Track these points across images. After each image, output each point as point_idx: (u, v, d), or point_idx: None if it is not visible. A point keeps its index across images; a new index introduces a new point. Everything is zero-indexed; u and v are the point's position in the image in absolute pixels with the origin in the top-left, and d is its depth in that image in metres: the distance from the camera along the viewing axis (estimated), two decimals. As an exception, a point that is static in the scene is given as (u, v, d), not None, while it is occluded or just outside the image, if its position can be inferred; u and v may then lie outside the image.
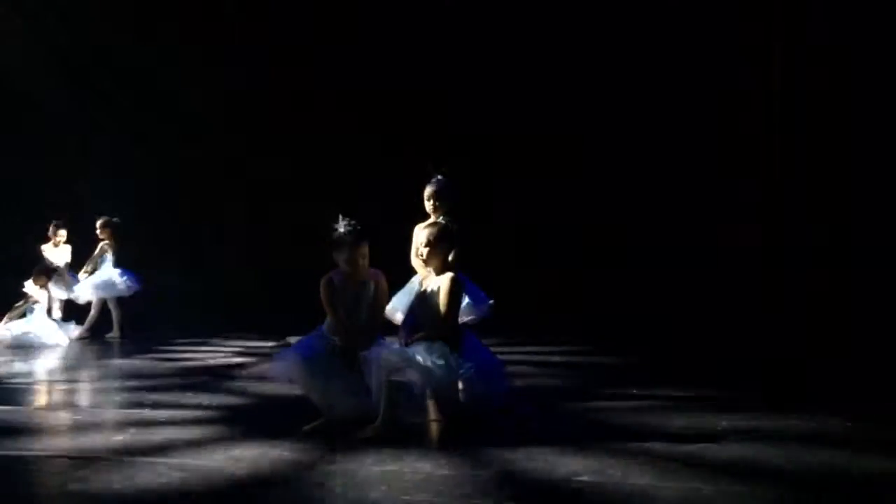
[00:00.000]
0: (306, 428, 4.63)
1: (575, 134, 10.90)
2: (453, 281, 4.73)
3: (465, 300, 5.73)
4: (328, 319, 4.90)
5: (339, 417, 4.68)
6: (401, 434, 4.47)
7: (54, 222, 10.48)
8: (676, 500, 3.41)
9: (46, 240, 10.50)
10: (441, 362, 4.46)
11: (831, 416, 4.98)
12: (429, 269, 4.93)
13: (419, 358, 4.45)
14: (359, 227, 4.80)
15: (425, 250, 4.88)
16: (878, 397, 5.76)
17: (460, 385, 4.66)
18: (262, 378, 6.49)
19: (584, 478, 3.69)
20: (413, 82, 11.30)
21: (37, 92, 12.09)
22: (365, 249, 4.82)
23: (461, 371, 4.51)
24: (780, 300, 9.62)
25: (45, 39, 12.20)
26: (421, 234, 5.01)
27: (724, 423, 4.76)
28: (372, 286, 4.86)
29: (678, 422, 4.85)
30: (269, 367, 5.10)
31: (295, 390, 5.09)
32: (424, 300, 4.81)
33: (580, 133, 10.88)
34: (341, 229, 4.78)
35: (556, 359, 7.88)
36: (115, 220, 10.13)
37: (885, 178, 9.23)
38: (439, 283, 4.76)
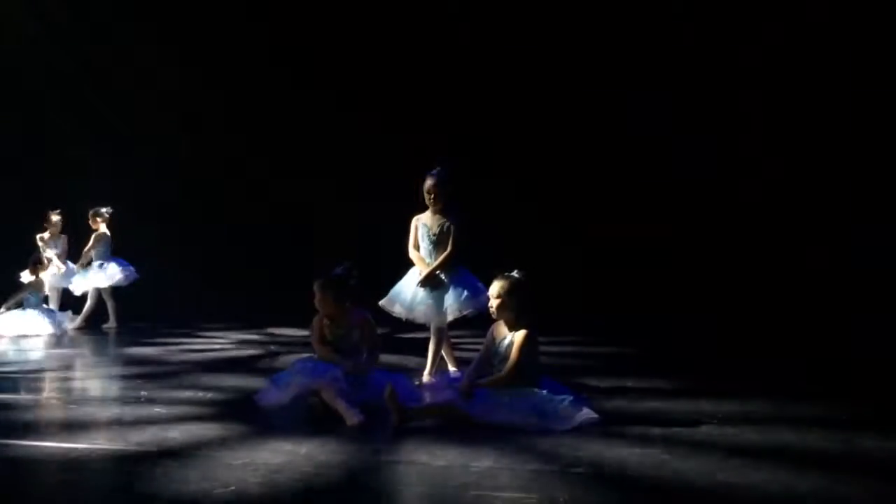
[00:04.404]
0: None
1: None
2: (527, 336, 4.67)
3: (465, 293, 5.77)
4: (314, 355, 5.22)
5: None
6: (401, 426, 4.53)
7: (49, 211, 10.46)
8: (675, 489, 3.43)
9: (44, 229, 10.47)
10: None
11: (827, 403, 5.05)
12: (498, 320, 4.84)
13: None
14: (326, 279, 5.08)
15: (496, 302, 4.78)
16: (875, 388, 5.83)
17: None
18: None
19: (580, 469, 3.71)
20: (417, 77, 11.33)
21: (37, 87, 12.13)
22: (328, 296, 5.07)
23: (557, 401, 4.49)
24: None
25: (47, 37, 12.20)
26: (492, 287, 4.84)
27: (720, 413, 4.79)
28: (356, 332, 5.15)
29: (673, 412, 4.87)
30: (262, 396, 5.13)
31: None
32: (498, 355, 4.75)
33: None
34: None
35: (551, 349, 7.89)
36: (106, 210, 10.10)
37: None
38: (513, 338, 4.71)
